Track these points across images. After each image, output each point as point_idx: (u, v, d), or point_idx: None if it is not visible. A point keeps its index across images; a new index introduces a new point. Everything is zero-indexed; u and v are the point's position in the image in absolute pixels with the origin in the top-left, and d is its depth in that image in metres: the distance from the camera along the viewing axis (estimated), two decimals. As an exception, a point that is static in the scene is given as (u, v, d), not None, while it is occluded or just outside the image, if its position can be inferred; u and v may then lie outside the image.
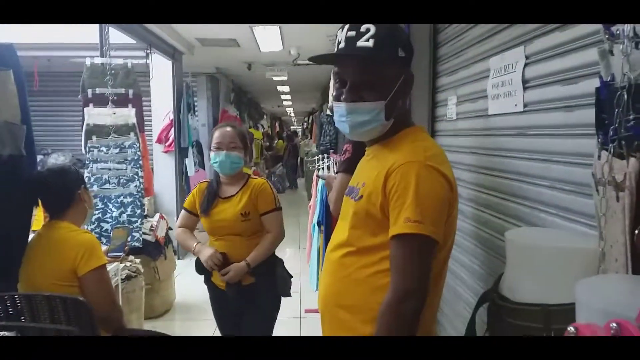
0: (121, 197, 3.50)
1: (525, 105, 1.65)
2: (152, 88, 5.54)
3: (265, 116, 17.70)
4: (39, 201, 2.09)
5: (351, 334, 1.19)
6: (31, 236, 2.11)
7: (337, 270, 1.24)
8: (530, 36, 1.59)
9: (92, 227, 3.36)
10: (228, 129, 2.34)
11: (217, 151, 2.28)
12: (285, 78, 8.29)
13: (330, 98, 5.96)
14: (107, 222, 3.42)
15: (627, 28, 0.97)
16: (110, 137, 3.50)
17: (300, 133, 19.00)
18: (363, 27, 1.16)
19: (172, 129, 5.62)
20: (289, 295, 2.41)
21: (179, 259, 5.15)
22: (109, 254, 2.67)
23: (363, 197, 1.20)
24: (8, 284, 2.00)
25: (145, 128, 4.09)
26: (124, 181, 3.52)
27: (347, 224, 1.25)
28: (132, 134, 3.56)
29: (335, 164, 3.32)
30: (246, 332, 2.30)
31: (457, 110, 2.35)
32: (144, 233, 3.74)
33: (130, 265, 3.29)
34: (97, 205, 3.39)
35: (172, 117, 5.61)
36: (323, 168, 3.91)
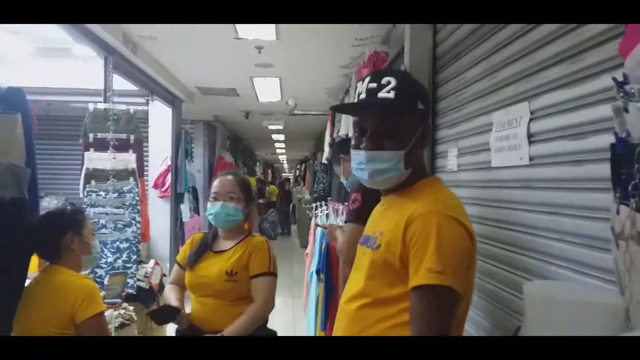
0: (117, 242, 3.44)
1: (531, 159, 1.67)
2: (150, 134, 5.59)
3: (258, 163, 17.82)
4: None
5: None
6: (28, 281, 2.05)
7: (353, 322, 1.22)
8: (535, 92, 1.64)
9: (86, 272, 3.27)
10: (228, 177, 2.13)
11: (213, 202, 2.08)
12: (281, 127, 8.42)
13: (326, 148, 6.06)
14: (102, 268, 3.34)
15: (641, 87, 1.00)
16: (109, 181, 3.48)
17: (292, 180, 19.09)
18: (384, 80, 1.20)
19: (169, 174, 5.62)
20: None
21: (170, 307, 5.00)
22: (106, 301, 2.60)
23: (381, 246, 1.19)
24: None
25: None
26: (121, 226, 3.47)
27: (362, 274, 1.24)
28: (131, 178, 3.55)
29: (335, 211, 3.32)
30: None
31: (458, 162, 2.38)
32: (138, 279, 3.66)
33: (124, 312, 3.20)
34: (93, 251, 3.32)
35: (169, 162, 5.62)
36: (320, 215, 3.90)
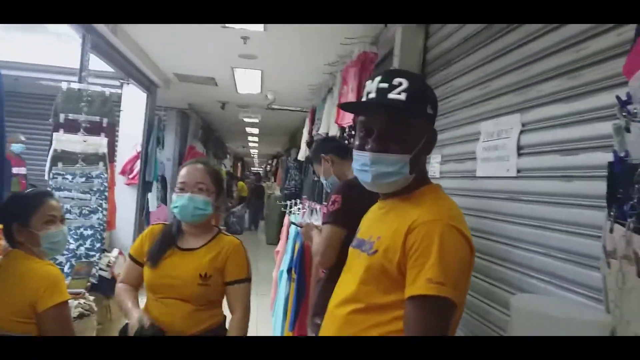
0: (81, 229, 3.31)
1: (518, 171, 1.68)
2: (122, 118, 5.41)
3: (228, 156, 17.59)
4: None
5: None
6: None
7: (343, 327, 1.18)
8: (528, 105, 1.64)
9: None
10: (198, 166, 1.89)
11: (179, 193, 1.84)
12: (257, 120, 8.32)
13: (303, 145, 6.02)
14: (63, 255, 3.19)
15: (646, 108, 1.00)
16: (77, 165, 3.33)
17: (262, 175, 18.94)
18: (395, 81, 1.17)
19: (138, 161, 5.45)
20: None
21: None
22: (69, 290, 2.48)
23: (378, 251, 1.16)
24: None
25: (114, 158, 3.94)
26: (87, 212, 3.33)
27: (355, 278, 1.20)
28: (101, 163, 3.41)
29: (313, 211, 3.28)
30: None
31: (441, 169, 2.38)
32: (100, 269, 3.53)
33: (84, 302, 3.07)
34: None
35: (139, 149, 5.46)
36: (296, 214, 3.85)
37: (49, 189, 3.27)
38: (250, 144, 15.97)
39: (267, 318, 4.04)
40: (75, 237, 3.28)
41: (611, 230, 1.09)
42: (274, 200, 9.64)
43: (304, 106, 6.49)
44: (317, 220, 2.99)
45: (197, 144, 8.79)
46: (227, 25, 3.59)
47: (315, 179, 4.98)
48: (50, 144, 3.34)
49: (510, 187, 1.72)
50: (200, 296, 1.78)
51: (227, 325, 1.89)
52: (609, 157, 1.13)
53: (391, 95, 1.16)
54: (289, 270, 3.18)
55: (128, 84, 5.12)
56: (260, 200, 13.29)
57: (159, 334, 1.67)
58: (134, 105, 5.35)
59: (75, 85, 3.46)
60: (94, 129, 3.42)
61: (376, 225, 1.25)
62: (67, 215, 3.26)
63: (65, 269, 3.15)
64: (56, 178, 3.28)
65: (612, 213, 1.10)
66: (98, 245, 3.37)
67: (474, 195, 2.00)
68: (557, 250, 1.47)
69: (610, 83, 1.27)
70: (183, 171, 1.89)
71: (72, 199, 3.30)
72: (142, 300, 1.89)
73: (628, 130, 1.07)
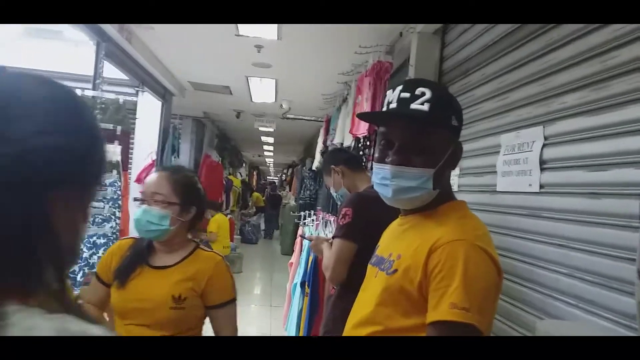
0: (94, 238, 3.28)
1: (541, 186, 1.60)
2: (137, 126, 5.42)
3: (244, 164, 17.65)
4: None
5: None
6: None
7: None
8: (551, 117, 1.56)
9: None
10: (161, 173, 1.61)
11: (139, 204, 1.61)
12: (272, 129, 8.30)
13: (317, 155, 5.97)
14: (76, 264, 3.18)
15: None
16: (90, 173, 3.32)
17: (277, 184, 18.94)
18: (418, 90, 1.10)
19: (153, 169, 5.45)
20: None
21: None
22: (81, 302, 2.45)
23: (398, 271, 1.08)
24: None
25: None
26: (100, 221, 3.31)
27: (372, 298, 1.12)
28: (114, 171, 3.39)
29: (326, 223, 3.21)
30: None
31: (459, 182, 2.30)
32: (112, 278, 3.50)
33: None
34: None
35: (154, 157, 5.46)
36: (310, 226, 3.79)
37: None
38: (266, 153, 15.99)
39: (279, 331, 3.98)
40: (88, 245, 3.26)
41: (647, 254, 1.01)
42: (289, 211, 9.58)
43: (318, 116, 6.45)
44: (331, 232, 2.92)
45: (212, 152, 8.80)
46: (241, 33, 3.57)
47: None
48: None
49: (533, 203, 1.64)
50: (176, 323, 1.55)
51: None
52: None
53: (414, 106, 1.09)
54: (302, 284, 3.11)
55: (143, 92, 5.14)
56: (276, 210, 13.23)
57: None
58: (149, 113, 5.36)
59: (89, 93, 3.46)
60: (107, 137, 3.40)
61: (396, 242, 1.18)
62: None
63: (78, 277, 3.13)
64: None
65: (648, 235, 1.02)
66: (110, 254, 3.35)
67: (493, 210, 1.92)
68: (582, 272, 1.38)
69: (641, 95, 1.20)
70: (147, 179, 1.67)
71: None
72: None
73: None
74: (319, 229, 3.24)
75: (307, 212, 4.07)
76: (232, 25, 3.45)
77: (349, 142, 3.75)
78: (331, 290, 2.24)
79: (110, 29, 3.46)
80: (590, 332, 1.21)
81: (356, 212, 1.98)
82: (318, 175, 7.13)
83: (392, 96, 1.13)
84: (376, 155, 1.18)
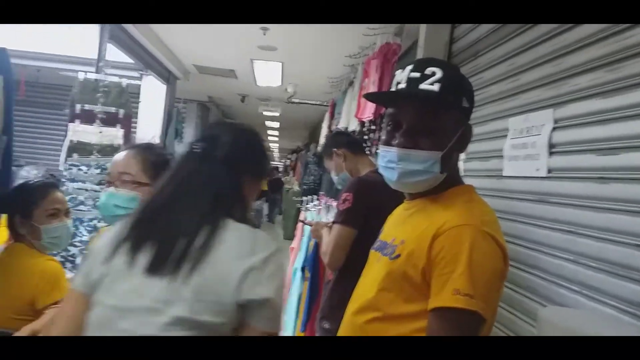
0: (94, 221, 3.28)
1: (549, 171, 1.55)
2: (140, 110, 5.40)
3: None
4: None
5: None
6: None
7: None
8: (562, 100, 1.51)
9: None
10: (130, 151, 1.43)
11: (104, 188, 1.44)
12: (277, 114, 8.25)
13: (322, 140, 5.92)
14: (76, 247, 3.18)
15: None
16: (92, 156, 3.31)
17: (281, 169, 18.89)
18: (428, 70, 1.06)
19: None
20: None
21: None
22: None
23: (401, 256, 1.05)
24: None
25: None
26: (101, 203, 3.31)
27: (374, 283, 1.10)
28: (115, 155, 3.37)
29: (329, 207, 3.18)
30: None
31: (465, 167, 2.26)
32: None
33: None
34: (69, 227, 3.16)
35: (157, 141, 5.45)
36: (312, 210, 3.76)
37: (63, 179, 3.25)
38: (270, 138, 15.95)
39: (281, 315, 3.98)
40: (88, 229, 3.26)
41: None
42: (292, 195, 9.57)
43: (324, 100, 6.39)
44: (332, 217, 2.90)
45: (216, 137, 8.77)
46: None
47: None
48: (66, 134, 3.32)
49: (540, 188, 1.60)
50: None
51: None
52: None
53: (423, 86, 1.06)
54: (302, 269, 3.10)
55: (147, 75, 5.10)
56: (278, 194, 13.22)
57: None
58: (153, 96, 5.33)
59: (92, 76, 3.43)
60: (110, 120, 3.39)
61: (400, 227, 1.15)
62: (81, 207, 3.25)
63: (77, 260, 3.14)
64: (71, 169, 3.27)
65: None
66: (112, 237, 3.34)
67: (499, 195, 1.88)
68: (588, 258, 1.35)
69: (657, 76, 1.15)
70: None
71: (87, 190, 3.28)
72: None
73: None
74: (321, 213, 3.22)
75: (310, 197, 4.04)
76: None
77: (354, 126, 3.71)
78: (329, 276, 2.23)
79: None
80: (594, 319, 1.19)
81: (357, 197, 1.94)
82: (322, 160, 7.08)
83: (401, 76, 1.09)
84: (383, 137, 1.14)
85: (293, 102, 6.52)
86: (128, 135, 3.58)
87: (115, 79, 3.53)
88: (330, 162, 2.39)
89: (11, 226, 1.85)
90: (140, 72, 5.06)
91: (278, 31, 3.88)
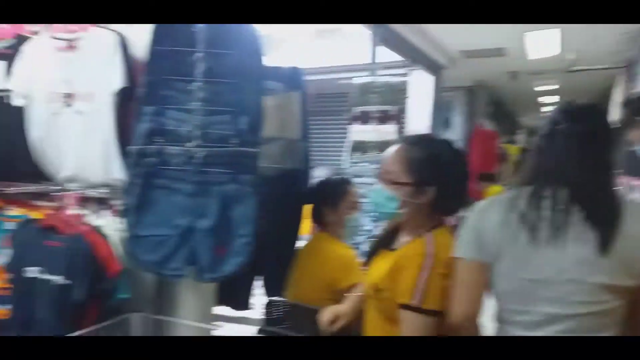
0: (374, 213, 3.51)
1: None
2: (409, 104, 5.55)
3: (520, 131, 16.32)
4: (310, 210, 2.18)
5: None
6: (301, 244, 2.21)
7: None
8: None
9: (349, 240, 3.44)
10: (398, 148, 1.43)
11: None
12: (552, 87, 7.38)
13: (615, 108, 4.97)
14: (361, 236, 3.46)
15: None
16: (371, 153, 3.57)
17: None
18: None
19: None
20: None
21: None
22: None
23: None
24: (276, 288, 2.13)
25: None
26: (383, 197, 3.52)
27: None
28: (389, 151, 3.55)
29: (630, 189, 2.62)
30: None
31: None
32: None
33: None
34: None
35: (428, 132, 5.52)
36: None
37: (348, 177, 3.60)
38: (545, 115, 14.44)
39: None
40: (371, 219, 3.52)
41: None
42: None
43: (614, 61, 5.35)
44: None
45: (484, 121, 8.40)
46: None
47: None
48: (348, 136, 3.66)
49: None
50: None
51: None
52: None
53: None
54: None
55: (414, 69, 5.22)
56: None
57: None
58: (421, 90, 5.43)
59: (365, 79, 3.70)
60: (384, 118, 3.59)
61: None
62: (364, 200, 3.52)
63: (362, 247, 3.41)
64: (354, 166, 3.59)
65: None
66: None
67: None
68: None
69: None
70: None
71: (369, 184, 3.55)
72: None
73: None
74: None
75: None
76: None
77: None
78: None
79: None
80: None
81: None
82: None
83: None
84: None
85: (575, 71, 5.69)
86: (401, 130, 3.74)
87: (387, 79, 3.72)
88: (636, 131, 1.95)
89: (317, 216, 2.11)
90: (408, 68, 5.22)
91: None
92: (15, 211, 1.96)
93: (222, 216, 1.68)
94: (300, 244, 2.20)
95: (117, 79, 1.79)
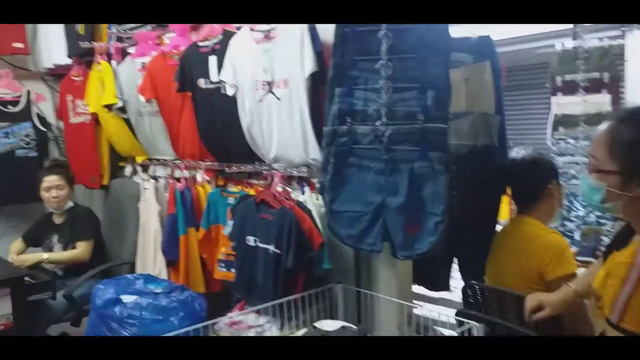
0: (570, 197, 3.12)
1: None
2: (627, 70, 4.74)
3: None
4: (508, 191, 2.05)
5: None
6: (498, 227, 2.08)
7: None
8: None
9: (555, 225, 3.12)
10: (604, 129, 1.20)
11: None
12: None
13: None
14: (572, 222, 3.11)
15: None
16: (579, 127, 3.16)
17: None
18: None
19: None
20: None
21: None
22: (577, 258, 2.38)
23: None
24: (472, 272, 2.04)
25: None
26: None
27: None
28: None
29: None
30: None
31: None
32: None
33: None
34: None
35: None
36: None
37: (552, 155, 3.26)
38: None
39: None
40: (583, 204, 3.12)
41: None
42: None
43: None
44: None
45: None
46: None
47: None
48: (549, 109, 3.30)
49: None
50: None
51: None
52: None
53: None
54: None
55: (631, 30, 4.44)
56: None
57: None
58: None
59: (569, 44, 3.29)
60: (593, 87, 3.15)
61: None
62: (573, 181, 3.16)
63: (576, 236, 3.05)
64: (559, 143, 3.24)
65: None
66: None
67: None
68: None
69: None
70: None
71: (577, 163, 3.16)
72: None
73: None
74: None
75: None
76: None
77: None
78: None
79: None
80: None
81: None
82: None
83: None
84: None
85: None
86: (616, 101, 3.24)
87: (596, 43, 3.26)
88: None
89: (533, 193, 1.90)
90: (623, 28, 4.47)
91: None
92: (234, 188, 2.31)
93: (413, 194, 1.67)
94: (498, 227, 2.08)
95: (308, 64, 1.93)
